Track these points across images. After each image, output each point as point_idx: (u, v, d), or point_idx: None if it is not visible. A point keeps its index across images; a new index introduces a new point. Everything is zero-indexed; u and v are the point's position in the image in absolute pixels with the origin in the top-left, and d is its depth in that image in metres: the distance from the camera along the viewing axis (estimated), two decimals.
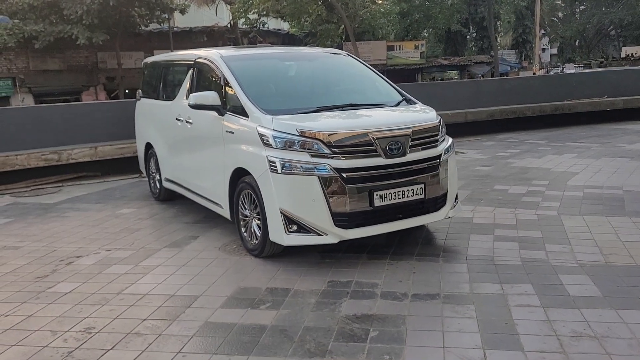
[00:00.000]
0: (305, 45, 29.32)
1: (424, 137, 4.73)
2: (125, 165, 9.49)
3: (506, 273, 4.31)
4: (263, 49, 6.13)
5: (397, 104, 5.32)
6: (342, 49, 29.87)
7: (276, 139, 4.43)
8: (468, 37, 44.82)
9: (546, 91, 14.46)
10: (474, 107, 13.18)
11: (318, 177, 4.31)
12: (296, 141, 4.39)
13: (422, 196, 4.66)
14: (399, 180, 4.55)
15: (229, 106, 5.09)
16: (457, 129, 12.62)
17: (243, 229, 5.02)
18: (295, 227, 4.41)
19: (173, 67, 6.75)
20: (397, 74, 33.89)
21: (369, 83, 5.74)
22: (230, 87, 5.08)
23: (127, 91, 30.78)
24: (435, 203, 4.83)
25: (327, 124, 4.57)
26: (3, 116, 9.37)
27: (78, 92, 27.91)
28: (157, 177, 7.21)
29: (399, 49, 34.49)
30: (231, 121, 5.00)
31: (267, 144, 4.49)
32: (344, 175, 4.35)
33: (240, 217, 5.02)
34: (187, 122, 5.93)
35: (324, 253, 4.87)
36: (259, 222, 4.71)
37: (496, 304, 3.79)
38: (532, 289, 4.00)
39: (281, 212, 4.40)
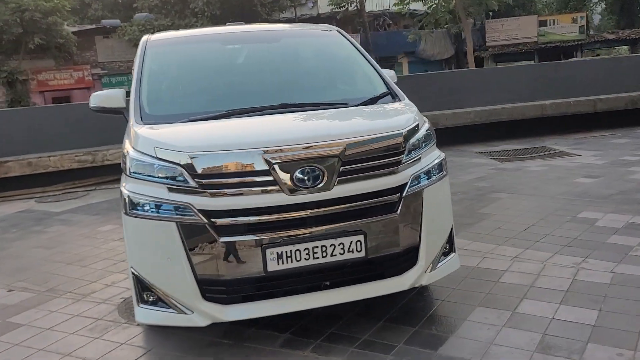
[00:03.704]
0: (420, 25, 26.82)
1: (371, 157, 2.93)
2: None
3: None
4: (217, 29, 4.62)
5: (366, 102, 3.50)
6: (485, 27, 26.81)
7: (133, 163, 2.97)
8: None
9: None
10: (608, 93, 10.25)
11: (177, 223, 2.77)
12: (155, 166, 2.88)
13: (362, 254, 2.88)
14: (316, 230, 2.83)
15: None
16: (582, 122, 9.99)
17: None
18: (154, 297, 2.92)
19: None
20: (550, 53, 29.77)
21: (343, 72, 3.99)
22: None
23: None
24: (392, 263, 3.01)
25: (201, 138, 2.98)
26: (35, 115, 9.00)
27: None
28: None
29: (553, 24, 30.20)
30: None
31: (125, 170, 3.04)
32: (215, 221, 2.75)
33: None
34: None
35: (232, 326, 3.29)
36: None
37: None
38: None
39: (132, 273, 2.94)
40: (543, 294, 3.46)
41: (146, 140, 2.97)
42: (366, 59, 4.01)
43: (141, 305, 2.92)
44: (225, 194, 2.77)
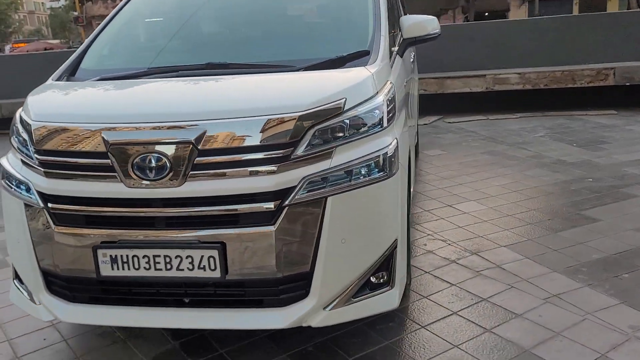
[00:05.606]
0: None
1: (241, 147, 2.13)
2: None
3: None
4: None
5: (321, 65, 2.56)
6: None
7: (12, 127, 2.66)
8: None
9: None
10: None
11: (23, 202, 2.41)
12: (18, 133, 2.53)
13: (217, 273, 2.17)
14: (159, 234, 2.20)
15: None
16: None
17: None
18: None
19: None
20: None
21: (326, 24, 3.12)
22: None
23: (486, 14, 28.53)
24: (269, 292, 2.24)
25: (59, 104, 2.55)
26: None
27: (437, 15, 27.06)
28: None
29: None
30: None
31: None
32: (50, 207, 2.32)
33: None
34: None
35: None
36: None
37: None
38: None
39: None
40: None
41: (26, 101, 2.62)
42: (374, 7, 2.99)
43: (15, 280, 2.67)
44: (59, 176, 2.30)
